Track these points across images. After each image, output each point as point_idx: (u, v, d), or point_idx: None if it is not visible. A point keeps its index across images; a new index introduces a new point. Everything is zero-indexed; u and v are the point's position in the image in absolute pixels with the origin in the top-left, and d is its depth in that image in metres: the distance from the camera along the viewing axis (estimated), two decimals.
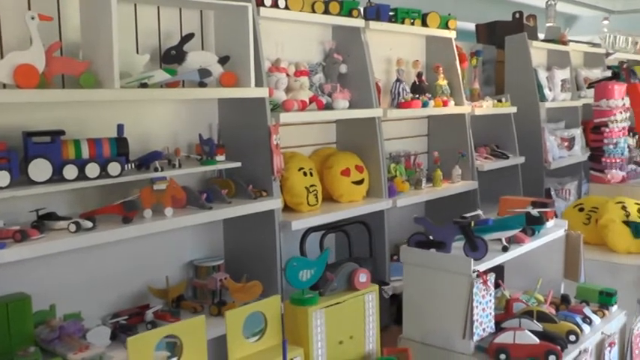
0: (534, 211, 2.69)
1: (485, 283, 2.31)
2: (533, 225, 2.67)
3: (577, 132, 5.94)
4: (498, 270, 2.92)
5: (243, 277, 3.21)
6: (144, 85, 2.75)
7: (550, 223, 2.84)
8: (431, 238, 2.46)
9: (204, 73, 2.96)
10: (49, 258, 2.74)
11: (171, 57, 2.98)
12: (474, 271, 2.29)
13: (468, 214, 2.56)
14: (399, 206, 3.86)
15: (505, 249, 2.50)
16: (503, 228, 2.51)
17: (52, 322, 3.02)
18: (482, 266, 2.34)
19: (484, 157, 4.85)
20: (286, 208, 3.46)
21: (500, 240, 2.52)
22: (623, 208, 3.77)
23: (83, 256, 2.93)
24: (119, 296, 3.13)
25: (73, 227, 2.64)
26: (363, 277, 2.12)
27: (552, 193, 5.68)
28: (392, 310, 3.55)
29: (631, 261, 3.57)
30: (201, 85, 2.97)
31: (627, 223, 3.70)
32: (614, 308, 2.80)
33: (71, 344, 2.88)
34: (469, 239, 2.38)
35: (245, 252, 3.36)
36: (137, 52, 2.96)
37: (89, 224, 2.68)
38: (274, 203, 3.19)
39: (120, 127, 2.83)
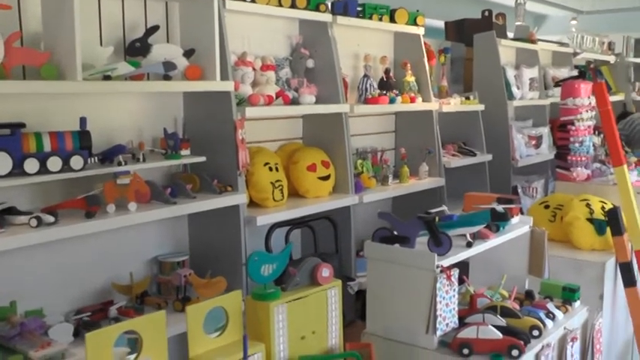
0: (499, 208, 2.69)
1: (448, 278, 2.31)
2: (498, 221, 2.67)
3: (544, 130, 5.98)
4: (463, 266, 2.93)
5: (208, 272, 3.18)
6: (107, 78, 2.71)
7: (515, 220, 2.85)
8: (395, 233, 2.46)
9: (169, 66, 2.92)
10: (10, 253, 2.69)
11: (136, 49, 2.94)
12: (437, 267, 2.29)
13: (432, 210, 2.56)
14: (365, 202, 3.86)
15: (469, 244, 2.51)
16: (468, 224, 2.52)
17: (13, 318, 2.96)
18: (446, 261, 2.34)
19: (451, 154, 4.86)
20: (252, 203, 3.44)
21: (464, 236, 2.53)
22: (588, 205, 3.81)
23: (45, 251, 2.88)
24: (82, 292, 3.08)
25: (34, 222, 2.59)
26: (325, 271, 2.11)
27: (519, 190, 5.72)
28: (357, 306, 3.55)
29: (594, 258, 3.61)
30: (166, 78, 2.93)
31: (591, 220, 3.74)
32: (577, 304, 2.82)
33: (32, 341, 2.83)
34: (433, 234, 2.37)
35: (210, 247, 3.34)
36: (100, 44, 2.92)
37: (51, 219, 2.64)
38: (239, 198, 3.16)
39: (83, 121, 2.79)
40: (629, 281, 3.67)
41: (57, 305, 2.97)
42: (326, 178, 3.74)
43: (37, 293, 2.94)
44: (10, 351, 2.80)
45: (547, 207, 3.95)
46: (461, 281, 2.74)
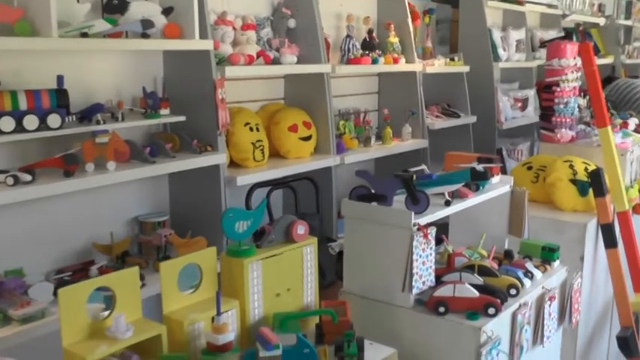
0: (479, 167, 2.68)
1: (425, 236, 2.31)
2: (477, 180, 2.66)
3: (531, 93, 5.97)
4: (443, 227, 2.93)
5: (188, 232, 3.18)
6: (84, 35, 2.67)
7: (495, 179, 2.85)
8: (372, 191, 2.45)
9: (147, 24, 2.89)
10: None
11: (113, 7, 2.90)
12: (414, 225, 2.28)
13: (411, 169, 2.55)
14: (347, 163, 3.85)
15: (448, 203, 2.50)
16: (447, 182, 2.51)
17: None
18: (424, 220, 2.34)
19: (435, 116, 4.85)
20: (232, 163, 3.43)
21: (443, 195, 2.52)
22: (571, 166, 3.81)
23: (24, 210, 2.87)
24: (63, 252, 3.08)
25: (10, 180, 2.57)
26: (301, 229, 2.10)
27: (504, 153, 5.73)
28: (338, 267, 3.54)
29: (576, 219, 3.62)
30: (144, 36, 2.90)
31: (574, 181, 3.74)
32: (557, 264, 2.82)
33: (12, 300, 2.84)
34: (410, 192, 2.37)
35: (190, 208, 3.33)
36: (77, 1, 2.87)
37: (28, 177, 2.62)
38: (219, 158, 3.15)
39: (59, 79, 2.76)
40: (610, 242, 3.68)
41: (37, 265, 2.97)
42: (307, 138, 3.73)
43: (17, 253, 2.93)
44: None
45: (530, 168, 3.95)
46: (440, 241, 2.74)
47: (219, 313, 1.82)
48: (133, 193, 3.29)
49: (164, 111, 3.09)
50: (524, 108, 5.97)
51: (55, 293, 2.76)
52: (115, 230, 3.20)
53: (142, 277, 2.86)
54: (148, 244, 3.23)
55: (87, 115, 2.88)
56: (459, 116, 4.99)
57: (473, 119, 5.11)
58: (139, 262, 3.04)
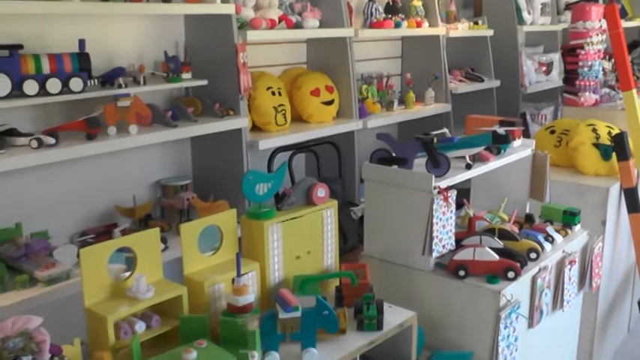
0: (501, 130, 2.67)
1: (446, 199, 2.30)
2: (499, 144, 2.65)
3: (555, 57, 5.89)
4: (464, 192, 2.93)
5: (211, 196, 3.20)
6: (105, 0, 2.67)
7: (517, 143, 2.83)
8: (393, 154, 2.45)
9: None
10: (13, 175, 2.72)
11: None
12: (434, 188, 2.28)
13: (432, 132, 2.54)
14: (369, 127, 3.84)
15: (469, 167, 2.49)
16: (468, 145, 2.50)
17: (18, 240, 3.01)
18: (444, 183, 2.33)
19: (458, 80, 4.81)
20: (254, 128, 3.43)
21: (464, 158, 2.51)
22: (594, 130, 3.77)
23: (48, 173, 2.90)
24: (86, 215, 3.12)
25: (34, 143, 2.60)
26: (321, 191, 2.10)
27: (528, 117, 5.67)
28: (360, 231, 3.56)
29: (598, 183, 3.59)
30: (166, 0, 2.89)
31: (597, 145, 3.71)
32: (577, 228, 2.81)
33: (38, 262, 2.88)
34: (431, 156, 2.36)
35: (212, 171, 3.35)
36: None
37: (52, 140, 2.64)
38: (241, 122, 3.16)
39: (81, 43, 2.76)
40: (633, 207, 3.65)
41: (62, 227, 3.01)
42: (330, 102, 3.72)
43: (42, 215, 2.97)
44: (16, 271, 2.85)
45: (553, 132, 3.91)
46: (461, 205, 2.74)
47: (239, 275, 1.83)
48: (155, 157, 3.31)
49: (186, 75, 3.09)
50: (548, 72, 5.89)
51: (79, 255, 2.81)
52: (138, 194, 3.23)
53: (164, 241, 2.90)
54: (170, 208, 3.25)
55: (109, 78, 2.89)
56: (482, 80, 4.94)
57: (497, 83, 5.06)
58: (161, 225, 3.07)
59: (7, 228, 2.97)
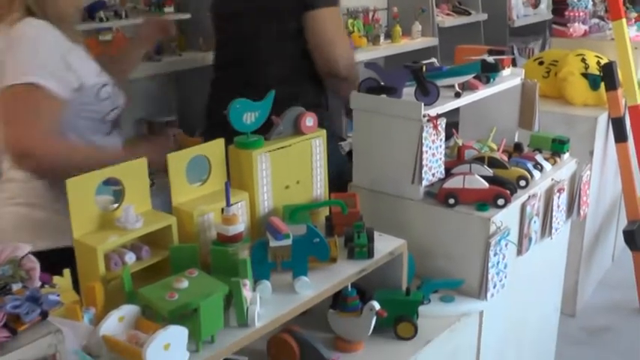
0: (490, 58, 2.64)
1: (435, 127, 2.28)
2: (488, 72, 2.62)
3: None
4: (453, 125, 2.90)
5: (197, 131, 3.17)
6: None
7: (506, 72, 2.79)
8: (382, 84, 2.41)
9: None
10: None
11: None
12: (424, 116, 2.26)
13: (422, 62, 2.50)
14: (356, 61, 3.78)
15: (458, 95, 2.46)
16: (457, 74, 2.47)
17: None
18: (434, 111, 2.31)
19: (445, 14, 4.76)
20: None
21: (453, 87, 2.48)
22: (583, 60, 3.75)
23: None
24: None
25: None
26: (309, 120, 2.07)
27: (515, 51, 5.63)
28: (349, 166, 3.55)
29: (586, 113, 3.59)
30: None
31: (586, 75, 3.69)
32: (566, 156, 2.81)
33: None
34: (420, 84, 2.33)
35: (198, 107, 3.30)
36: None
37: None
38: None
39: None
40: (620, 137, 3.66)
41: None
42: None
43: None
44: None
45: (541, 63, 3.89)
46: (450, 135, 2.72)
47: (228, 204, 1.82)
48: (140, 93, 3.26)
49: (168, 9, 3.04)
50: (536, 5, 5.84)
51: None
52: (123, 130, 3.19)
53: (151, 177, 2.87)
54: None
55: (89, 12, 2.83)
56: (469, 14, 4.89)
57: (484, 17, 5.00)
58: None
59: None
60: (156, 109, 3.32)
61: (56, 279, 1.54)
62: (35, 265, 1.23)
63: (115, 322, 1.53)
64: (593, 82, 3.64)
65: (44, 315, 1.12)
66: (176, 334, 1.47)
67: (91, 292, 1.60)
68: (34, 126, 2.12)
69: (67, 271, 1.62)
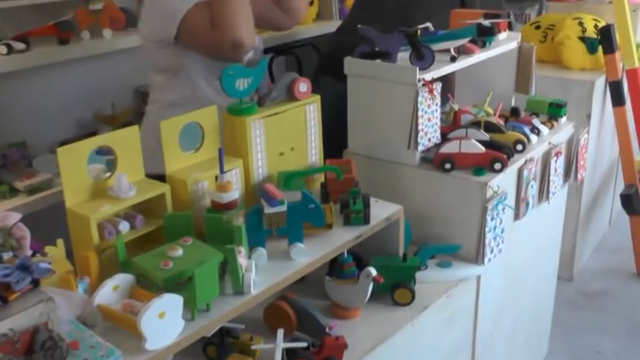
0: (486, 22, 2.60)
1: (431, 92, 2.26)
2: (484, 36, 2.58)
3: None
4: (449, 86, 2.88)
5: None
6: None
7: (502, 36, 2.76)
8: (376, 49, 2.38)
9: None
10: None
11: None
12: (419, 80, 2.23)
13: (417, 26, 2.47)
14: None
15: (453, 59, 2.43)
16: (452, 38, 2.43)
17: None
18: (429, 75, 2.28)
19: None
20: None
21: (448, 51, 2.45)
22: (580, 24, 3.71)
23: (23, 81, 2.83)
24: (65, 124, 3.07)
25: (4, 49, 2.53)
26: (303, 86, 2.05)
27: (511, 17, 5.56)
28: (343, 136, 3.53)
29: (584, 77, 3.56)
30: None
31: (583, 39, 3.65)
32: (563, 120, 2.78)
33: (17, 172, 2.85)
34: (415, 48, 2.30)
35: None
36: None
37: (22, 46, 2.57)
38: None
39: None
40: (617, 100, 3.64)
41: (40, 137, 2.96)
42: (310, 3, 3.61)
43: (20, 125, 2.91)
44: None
45: (538, 27, 3.85)
46: (446, 100, 2.69)
47: (222, 172, 1.80)
48: (133, 63, 3.21)
49: None
50: None
51: None
52: (117, 101, 3.17)
53: None
54: None
55: None
56: None
57: None
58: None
59: None
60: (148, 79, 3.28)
61: (49, 249, 1.53)
62: (26, 233, 1.21)
63: (110, 292, 1.52)
64: (590, 45, 3.61)
65: (35, 283, 1.11)
66: (171, 303, 1.46)
67: (85, 262, 1.58)
68: (245, 20, 2.35)
69: (60, 241, 1.61)
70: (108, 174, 1.77)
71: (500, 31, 2.73)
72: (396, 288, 2.11)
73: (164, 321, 1.44)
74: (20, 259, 1.13)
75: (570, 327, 3.52)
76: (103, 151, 1.82)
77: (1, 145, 2.98)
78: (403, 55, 2.36)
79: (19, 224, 1.21)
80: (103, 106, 3.12)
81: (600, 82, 3.58)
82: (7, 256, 1.17)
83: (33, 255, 1.20)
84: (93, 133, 3.03)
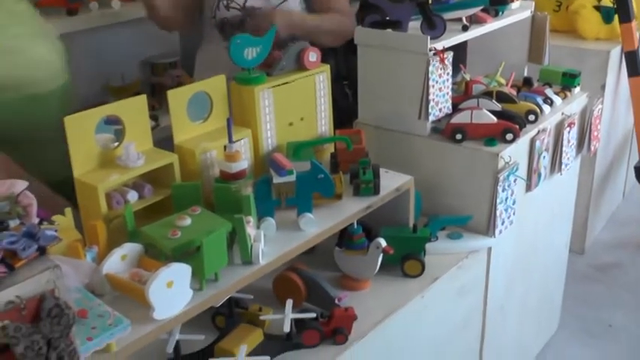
0: None
1: (442, 61, 2.23)
2: (496, 5, 2.54)
3: None
4: (461, 56, 2.84)
5: None
6: None
7: (515, 4, 2.72)
8: (387, 18, 2.35)
9: None
10: None
11: None
12: (430, 50, 2.20)
13: None
14: None
15: (465, 28, 2.40)
16: (464, 6, 2.40)
17: None
18: (440, 44, 2.25)
19: None
20: None
21: (460, 20, 2.42)
22: None
23: None
24: (75, 95, 3.05)
25: None
26: (312, 56, 2.02)
27: None
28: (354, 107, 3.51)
29: (599, 46, 3.51)
30: None
31: (598, 8, 3.60)
32: (577, 90, 2.75)
33: None
34: (426, 17, 2.27)
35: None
36: None
37: None
38: None
39: None
40: (633, 71, 3.59)
41: None
42: None
43: None
44: None
45: None
46: (457, 70, 2.66)
47: (231, 141, 1.78)
48: (142, 35, 3.20)
49: None
50: None
51: None
52: (126, 72, 3.15)
53: (154, 118, 2.84)
54: (159, 86, 3.18)
55: None
56: None
57: None
58: (151, 104, 3.01)
59: None
60: (158, 51, 3.27)
61: (57, 217, 1.53)
62: (32, 201, 1.20)
63: (118, 261, 1.52)
64: (606, 14, 3.55)
65: (42, 251, 1.10)
66: (179, 272, 1.46)
67: (93, 231, 1.58)
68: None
69: (68, 210, 1.60)
70: (116, 143, 1.76)
71: (513, 0, 2.69)
72: (406, 259, 2.10)
73: (172, 290, 1.44)
74: (26, 227, 1.12)
75: (581, 300, 3.51)
76: (112, 121, 1.81)
77: None
78: (414, 25, 2.33)
79: (25, 192, 1.20)
80: (113, 78, 3.11)
81: (616, 52, 3.52)
82: (13, 223, 1.17)
83: (40, 223, 1.19)
84: (102, 105, 3.02)
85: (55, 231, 1.14)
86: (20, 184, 1.21)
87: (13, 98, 2.16)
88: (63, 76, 2.32)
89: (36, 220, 1.21)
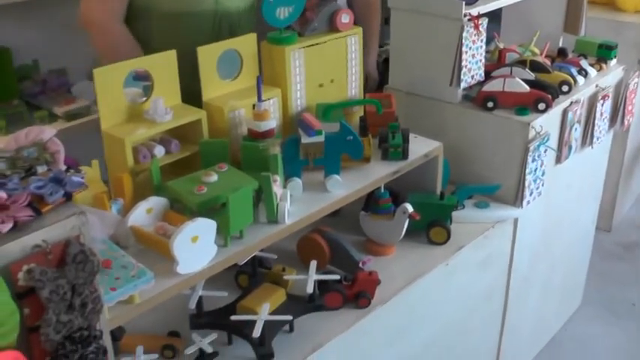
0: None
1: (476, 27, 2.19)
2: None
3: None
4: (495, 25, 2.79)
5: None
6: None
7: None
8: None
9: None
10: (27, 11, 2.64)
11: None
12: (465, 15, 2.16)
13: None
14: None
15: None
16: None
17: (36, 76, 2.96)
18: (475, 10, 2.20)
19: None
20: None
21: None
22: None
23: (61, 9, 2.81)
24: None
25: None
26: (345, 17, 1.99)
27: None
28: (385, 75, 3.47)
29: (637, 19, 3.43)
30: None
31: None
32: (613, 62, 2.69)
33: (56, 98, 2.86)
34: None
35: None
36: None
37: None
38: None
39: None
40: None
41: (79, 64, 2.93)
42: None
43: (59, 53, 2.91)
44: (35, 107, 2.83)
45: None
46: (491, 39, 2.62)
47: (260, 100, 1.77)
48: None
49: None
50: None
51: None
52: None
53: None
54: None
55: None
56: None
57: None
58: None
59: (24, 64, 2.92)
60: None
61: (84, 169, 1.52)
62: (60, 148, 1.20)
63: (143, 214, 1.52)
64: None
65: (68, 197, 1.10)
66: (204, 227, 1.45)
67: (119, 183, 1.58)
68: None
69: (95, 162, 1.60)
70: (144, 98, 1.75)
71: None
72: (432, 226, 2.08)
73: (197, 245, 1.44)
74: (54, 172, 1.12)
75: (606, 278, 3.47)
76: (141, 77, 1.80)
77: (41, 71, 2.99)
78: None
79: (53, 139, 1.20)
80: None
81: None
82: (41, 169, 1.17)
83: (67, 170, 1.19)
84: None
85: (82, 177, 1.14)
86: (48, 132, 1.21)
87: None
88: None
89: (63, 167, 1.20)
